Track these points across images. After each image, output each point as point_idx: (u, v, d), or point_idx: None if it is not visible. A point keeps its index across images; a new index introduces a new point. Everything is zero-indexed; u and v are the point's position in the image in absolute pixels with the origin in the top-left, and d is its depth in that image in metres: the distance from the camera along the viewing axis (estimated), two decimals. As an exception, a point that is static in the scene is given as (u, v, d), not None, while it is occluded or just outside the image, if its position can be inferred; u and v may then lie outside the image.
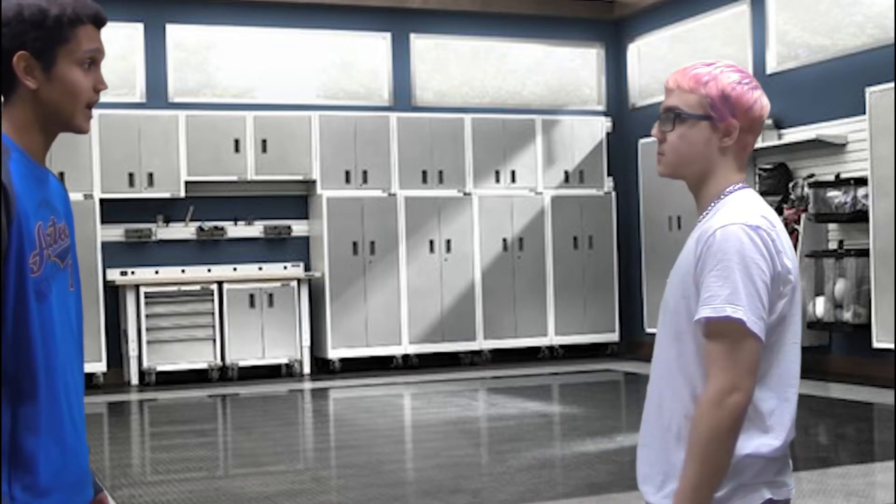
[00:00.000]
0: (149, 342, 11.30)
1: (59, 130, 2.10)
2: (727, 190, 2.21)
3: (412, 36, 13.01)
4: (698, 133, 2.21)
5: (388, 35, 12.92)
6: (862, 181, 9.88)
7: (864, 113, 9.79)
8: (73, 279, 2.11)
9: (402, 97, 12.92)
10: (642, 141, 12.58)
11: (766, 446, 2.13)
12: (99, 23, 2.08)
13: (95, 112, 2.24)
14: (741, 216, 2.12)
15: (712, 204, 2.21)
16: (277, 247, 12.34)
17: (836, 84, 10.59)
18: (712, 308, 2.07)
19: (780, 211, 10.79)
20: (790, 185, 10.83)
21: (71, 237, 2.11)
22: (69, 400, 2.05)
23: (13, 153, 1.99)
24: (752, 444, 2.12)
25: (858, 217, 9.89)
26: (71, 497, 2.05)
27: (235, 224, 12.15)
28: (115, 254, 11.57)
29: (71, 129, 2.09)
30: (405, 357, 12.28)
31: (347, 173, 12.15)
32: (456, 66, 13.42)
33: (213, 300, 11.53)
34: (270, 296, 11.75)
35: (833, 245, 10.46)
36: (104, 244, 11.40)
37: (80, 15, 2.03)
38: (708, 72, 2.21)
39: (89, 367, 10.66)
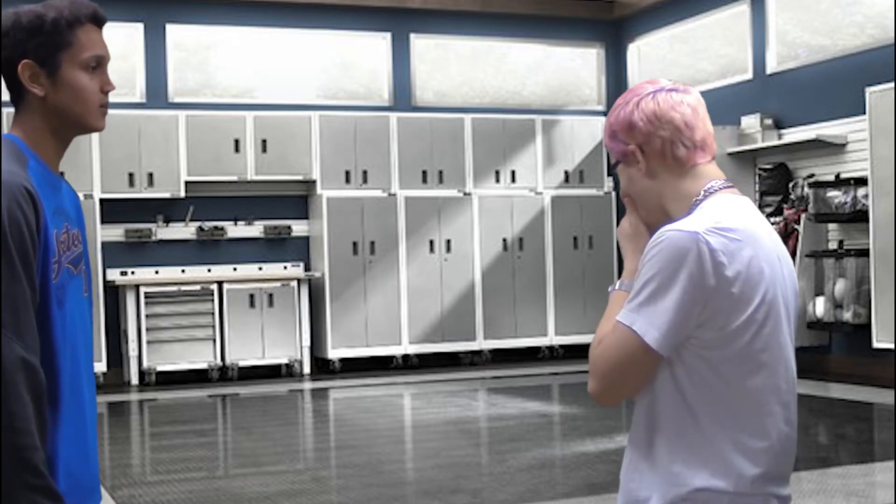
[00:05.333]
0: (149, 342, 11.30)
1: (73, 134, 2.09)
2: (696, 201, 2.02)
3: (412, 36, 13.01)
4: (625, 176, 2.11)
5: (388, 35, 12.92)
6: (862, 181, 9.88)
7: (864, 113, 9.79)
8: (87, 285, 2.12)
9: (402, 97, 12.92)
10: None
11: (726, 483, 1.95)
12: (98, 21, 2.05)
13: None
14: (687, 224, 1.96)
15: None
16: (277, 247, 12.34)
17: (836, 84, 10.59)
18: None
19: (780, 211, 10.81)
20: (790, 185, 10.83)
21: (83, 243, 2.11)
22: (82, 406, 2.07)
23: (30, 161, 2.00)
24: (707, 481, 1.94)
25: (858, 217, 9.89)
26: (83, 501, 2.06)
27: (235, 224, 12.15)
28: (115, 254, 11.57)
29: (86, 129, 2.08)
30: (405, 357, 12.28)
31: (347, 173, 12.15)
32: (456, 66, 13.42)
33: (213, 300, 11.53)
34: (270, 296, 11.74)
35: (833, 245, 10.47)
36: (104, 244, 11.40)
37: (77, 16, 2.01)
38: (608, 125, 2.12)
39: (89, 367, 10.67)
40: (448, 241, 12.41)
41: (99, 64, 2.05)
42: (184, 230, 11.94)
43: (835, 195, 10.09)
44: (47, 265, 1.95)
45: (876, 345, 9.71)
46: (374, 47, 12.99)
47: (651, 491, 1.98)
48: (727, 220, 1.95)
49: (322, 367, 12.12)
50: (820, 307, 10.22)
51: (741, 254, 1.93)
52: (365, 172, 12.20)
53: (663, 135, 2.03)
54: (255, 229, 12.22)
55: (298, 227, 12.39)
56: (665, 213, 2.07)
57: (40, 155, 2.04)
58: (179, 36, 12.24)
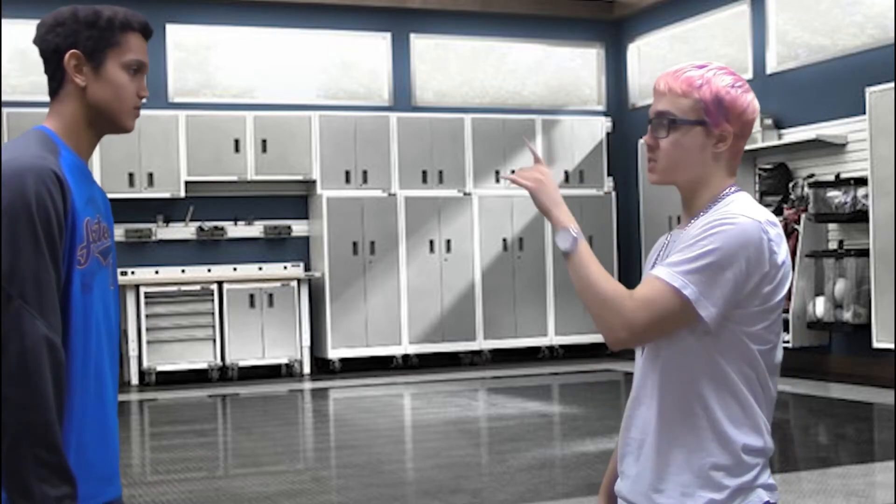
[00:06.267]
0: (149, 342, 11.30)
1: (105, 130, 2.18)
2: (723, 194, 2.14)
3: (412, 36, 13.01)
4: (692, 139, 2.13)
5: (388, 35, 12.92)
6: (862, 181, 9.88)
7: (864, 113, 9.79)
8: (113, 279, 2.20)
9: (402, 97, 12.93)
10: (642, 141, 12.56)
11: (761, 441, 2.11)
12: (146, 33, 2.19)
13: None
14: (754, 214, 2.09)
15: (704, 211, 2.14)
16: (277, 247, 12.34)
17: (836, 84, 10.59)
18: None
19: (780, 211, 10.80)
20: (790, 185, 10.83)
21: (111, 238, 2.21)
22: (103, 394, 2.12)
23: (62, 150, 2.09)
24: (751, 438, 2.10)
25: (858, 217, 9.89)
26: (99, 488, 2.10)
27: (235, 224, 12.15)
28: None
29: (117, 127, 2.18)
30: (405, 357, 12.28)
31: (347, 173, 12.15)
32: (456, 66, 13.42)
33: (213, 300, 11.53)
34: (270, 296, 11.74)
35: (833, 245, 10.47)
36: (104, 244, 11.40)
37: (130, 21, 2.15)
38: (701, 74, 2.12)
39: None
40: (448, 241, 12.42)
41: (139, 69, 2.17)
42: (184, 230, 11.94)
43: (835, 195, 10.09)
44: (72, 251, 2.02)
45: (876, 345, 9.71)
46: (374, 47, 12.99)
47: (708, 457, 2.08)
48: (769, 216, 2.10)
49: (322, 367, 12.12)
50: (820, 307, 10.22)
51: (783, 245, 2.10)
52: (365, 172, 12.20)
53: (745, 138, 2.18)
54: (255, 229, 12.22)
55: (298, 227, 12.39)
56: (684, 184, 2.17)
57: (73, 146, 2.13)
58: (179, 36, 12.25)
